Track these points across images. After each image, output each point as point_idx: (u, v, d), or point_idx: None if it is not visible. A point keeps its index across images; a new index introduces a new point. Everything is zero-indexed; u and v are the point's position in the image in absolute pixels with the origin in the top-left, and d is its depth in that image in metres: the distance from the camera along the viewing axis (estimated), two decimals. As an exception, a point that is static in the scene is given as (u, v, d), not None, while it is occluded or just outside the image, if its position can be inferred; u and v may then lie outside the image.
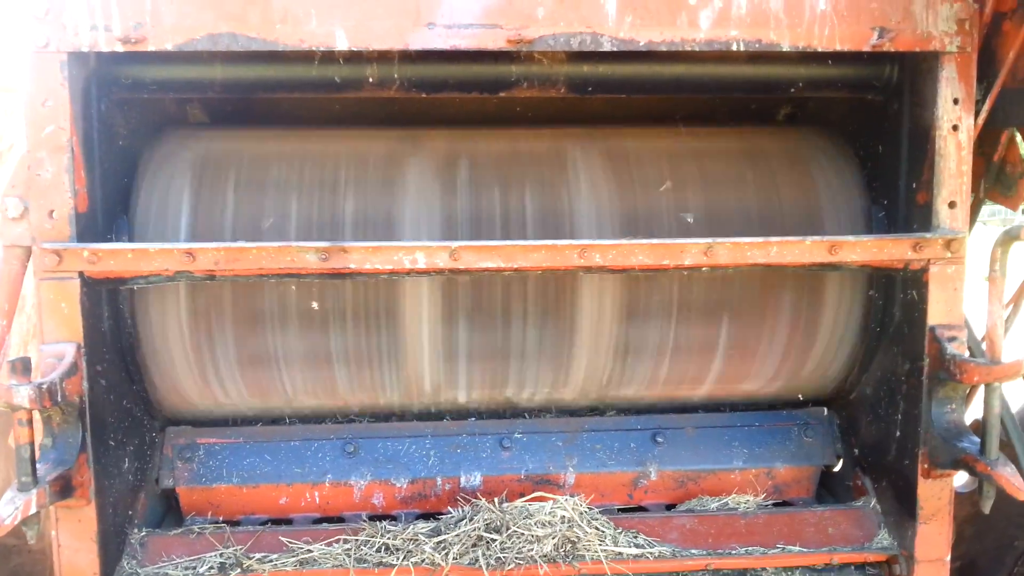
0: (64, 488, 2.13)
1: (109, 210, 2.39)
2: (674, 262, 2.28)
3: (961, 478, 2.96)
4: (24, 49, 2.12)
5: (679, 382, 2.77)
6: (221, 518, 2.62)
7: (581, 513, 2.49)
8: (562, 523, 2.45)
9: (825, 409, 2.87)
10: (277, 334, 2.54)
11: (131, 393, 2.50)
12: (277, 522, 2.62)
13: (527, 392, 2.75)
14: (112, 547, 2.36)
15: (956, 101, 2.32)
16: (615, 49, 2.23)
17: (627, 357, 2.67)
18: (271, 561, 2.40)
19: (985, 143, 2.54)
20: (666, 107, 2.93)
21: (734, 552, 2.49)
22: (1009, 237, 2.13)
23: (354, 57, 2.32)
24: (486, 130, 2.77)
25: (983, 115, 2.38)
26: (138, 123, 2.58)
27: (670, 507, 2.72)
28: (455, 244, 2.23)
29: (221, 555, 2.43)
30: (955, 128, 2.33)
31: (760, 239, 2.28)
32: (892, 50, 2.28)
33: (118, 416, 2.40)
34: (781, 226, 2.59)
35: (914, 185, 2.43)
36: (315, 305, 2.52)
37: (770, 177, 2.68)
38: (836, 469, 2.85)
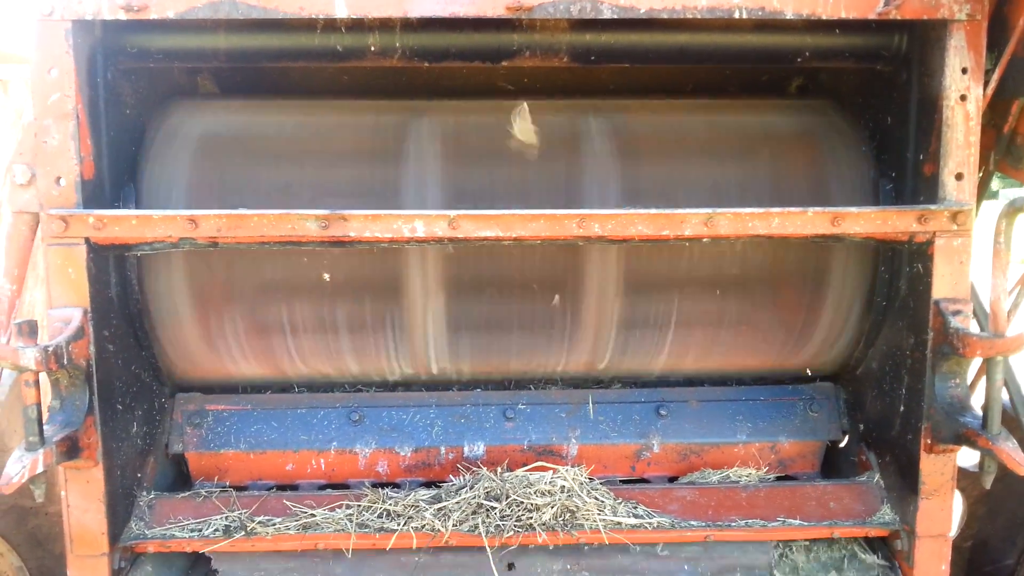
0: (71, 449, 2.18)
1: (116, 178, 2.42)
2: (674, 232, 2.27)
3: (973, 457, 2.94)
4: (30, 17, 2.15)
5: (684, 355, 2.76)
6: (229, 483, 2.67)
7: (581, 483, 2.51)
8: (562, 493, 2.47)
9: (831, 384, 2.85)
10: (284, 304, 2.58)
11: (139, 359, 2.55)
12: (283, 488, 2.67)
13: (531, 364, 2.77)
14: (120, 508, 2.41)
15: (965, 70, 2.28)
16: (616, 17, 2.22)
17: (632, 330, 2.67)
18: (274, 525, 2.45)
19: (995, 114, 2.48)
20: (675, 79, 2.90)
21: (734, 524, 2.50)
22: (1014, 208, 2.09)
23: (355, 25, 2.33)
24: (492, 101, 2.76)
25: (993, 85, 2.33)
26: (146, 93, 2.62)
27: (672, 480, 2.73)
28: (454, 213, 2.23)
29: (226, 518, 2.48)
30: (963, 98, 2.29)
31: (761, 210, 2.27)
32: (899, 18, 2.24)
33: (126, 381, 2.45)
34: (788, 199, 2.57)
35: (921, 157, 2.40)
36: (327, 277, 2.55)
37: (777, 149, 2.65)
38: (842, 445, 2.84)
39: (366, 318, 2.62)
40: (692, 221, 2.27)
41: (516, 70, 2.70)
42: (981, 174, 2.53)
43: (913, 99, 2.44)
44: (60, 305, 2.23)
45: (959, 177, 2.31)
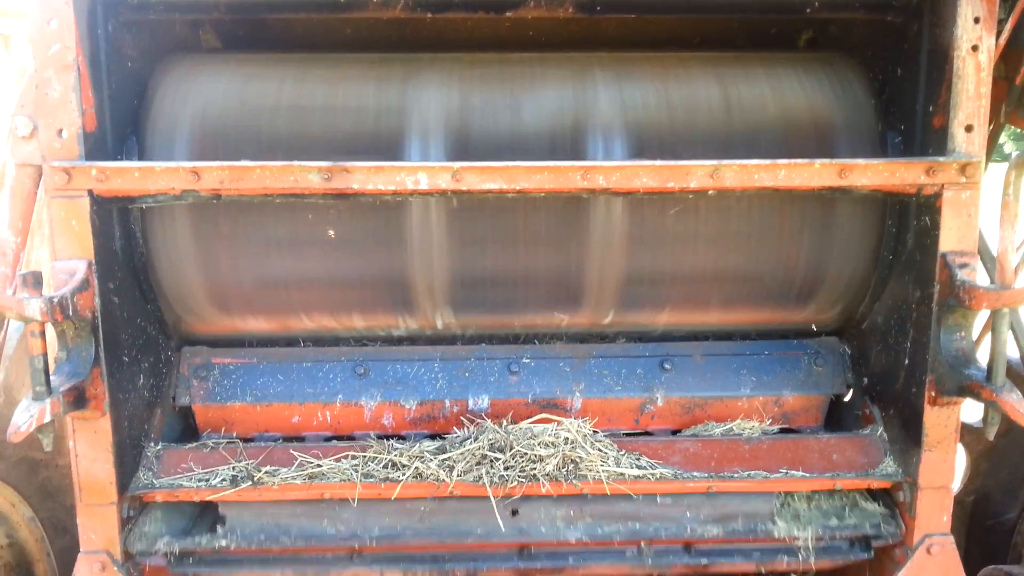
0: (78, 399, 2.20)
1: (119, 131, 2.42)
2: (679, 184, 2.26)
3: (977, 413, 2.95)
4: (29, -34, 2.14)
5: (688, 310, 2.76)
6: (236, 435, 2.70)
7: (584, 435, 2.53)
8: (565, 444, 2.49)
9: (836, 339, 2.85)
10: (289, 259, 2.58)
11: (145, 312, 2.56)
12: (290, 440, 2.69)
13: (536, 319, 2.77)
14: (128, 459, 2.44)
15: (977, 20, 2.23)
16: (621, -36, 2.18)
17: (636, 285, 2.67)
18: (281, 474, 2.48)
19: (1007, 65, 2.45)
20: (682, 32, 2.86)
21: (736, 475, 2.51)
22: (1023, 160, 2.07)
23: None
24: (496, 54, 2.73)
25: (1006, 35, 2.30)
26: (148, 46, 2.59)
27: (676, 433, 2.74)
28: (457, 165, 2.22)
29: (233, 468, 2.51)
30: (975, 48, 2.25)
31: (767, 161, 2.25)
32: (910, -35, 2.21)
33: (132, 333, 2.46)
34: (796, 153, 2.54)
35: (931, 109, 2.37)
36: (332, 233, 2.54)
37: (785, 102, 2.62)
38: (846, 399, 2.84)
39: (371, 273, 2.62)
40: (697, 173, 2.25)
41: (521, 22, 2.66)
42: (991, 127, 2.50)
43: (924, 50, 2.40)
44: (64, 257, 2.24)
45: (969, 129, 2.28)
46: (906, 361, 2.48)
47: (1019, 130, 2.66)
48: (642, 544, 2.60)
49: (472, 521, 2.53)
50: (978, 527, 3.42)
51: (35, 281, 2.06)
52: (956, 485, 3.29)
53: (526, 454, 2.46)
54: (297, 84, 2.59)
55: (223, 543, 2.51)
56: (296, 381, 2.72)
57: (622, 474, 2.46)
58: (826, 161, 2.26)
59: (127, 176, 2.21)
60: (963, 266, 2.28)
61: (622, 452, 2.53)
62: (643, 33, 2.83)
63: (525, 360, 2.77)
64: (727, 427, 2.69)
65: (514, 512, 2.53)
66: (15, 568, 3.13)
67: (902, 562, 2.49)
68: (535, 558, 2.61)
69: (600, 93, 2.59)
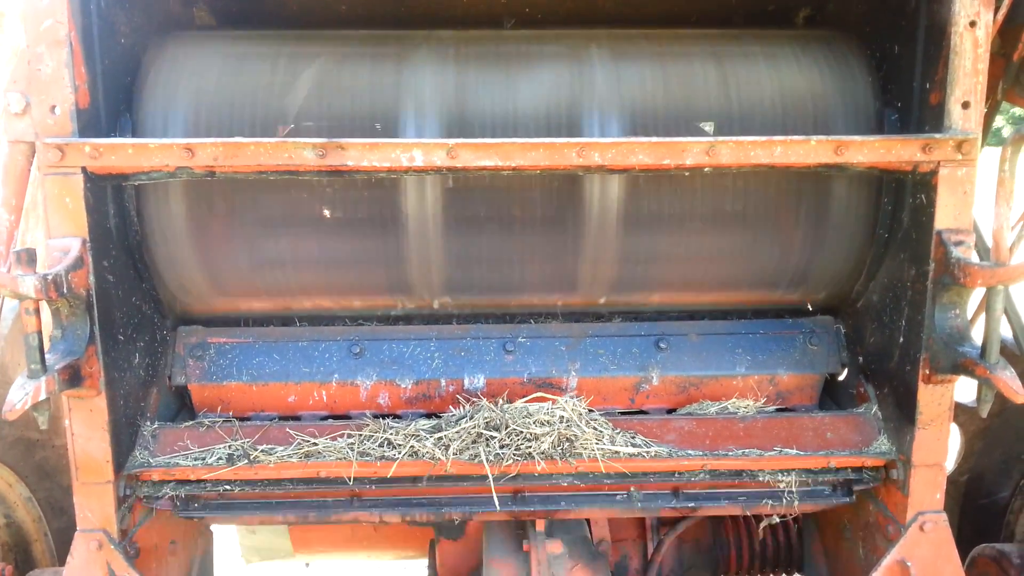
0: (73, 377, 2.20)
1: (112, 108, 2.40)
2: (675, 162, 2.25)
3: (972, 393, 2.96)
4: (20, -59, 2.12)
5: (683, 289, 2.77)
6: (232, 414, 2.70)
7: (580, 414, 2.53)
8: (560, 423, 2.50)
9: (832, 317, 2.85)
10: (285, 238, 2.57)
11: (140, 291, 2.56)
12: (286, 419, 2.69)
13: (531, 298, 2.77)
14: (124, 437, 2.44)
15: (975, -6, 2.23)
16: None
17: (632, 263, 2.67)
18: (277, 453, 2.48)
19: (1005, 42, 2.44)
20: (679, 9, 2.85)
21: (731, 453, 2.52)
22: (1020, 136, 2.06)
23: None
24: (492, 31, 2.72)
25: (1003, 10, 2.29)
26: (141, 23, 2.57)
27: (671, 411, 2.75)
28: (452, 142, 2.21)
29: (229, 447, 2.51)
30: (972, 24, 2.24)
31: (763, 138, 2.24)
32: (908, -60, 2.19)
33: (127, 312, 2.46)
34: (793, 130, 2.53)
35: (928, 85, 2.36)
36: (327, 213, 2.54)
37: (782, 79, 2.61)
38: (841, 378, 2.85)
39: (367, 253, 2.61)
40: (693, 150, 2.24)
41: (516, -2, 2.66)
42: (988, 104, 2.49)
43: (921, 26, 2.38)
44: (58, 235, 2.23)
45: (965, 106, 2.28)
46: (901, 339, 2.49)
47: (1017, 112, 2.65)
48: (632, 489, 2.64)
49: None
50: (972, 506, 3.44)
51: (29, 258, 2.05)
52: (950, 464, 3.31)
53: (521, 432, 2.46)
54: (291, 62, 2.57)
55: (227, 488, 2.54)
56: (292, 360, 2.72)
57: (617, 452, 2.47)
58: (822, 138, 2.25)
59: (121, 153, 2.20)
60: (958, 243, 2.28)
61: (617, 431, 2.53)
62: (640, 10, 2.82)
63: (521, 339, 2.78)
64: (722, 406, 2.69)
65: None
66: (13, 548, 3.13)
67: (895, 539, 2.51)
68: (528, 502, 2.66)
69: (596, 71, 2.57)
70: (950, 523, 2.50)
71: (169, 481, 2.51)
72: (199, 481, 2.50)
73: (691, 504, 2.69)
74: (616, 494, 2.66)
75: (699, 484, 2.62)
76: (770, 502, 2.66)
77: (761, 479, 2.59)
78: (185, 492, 2.54)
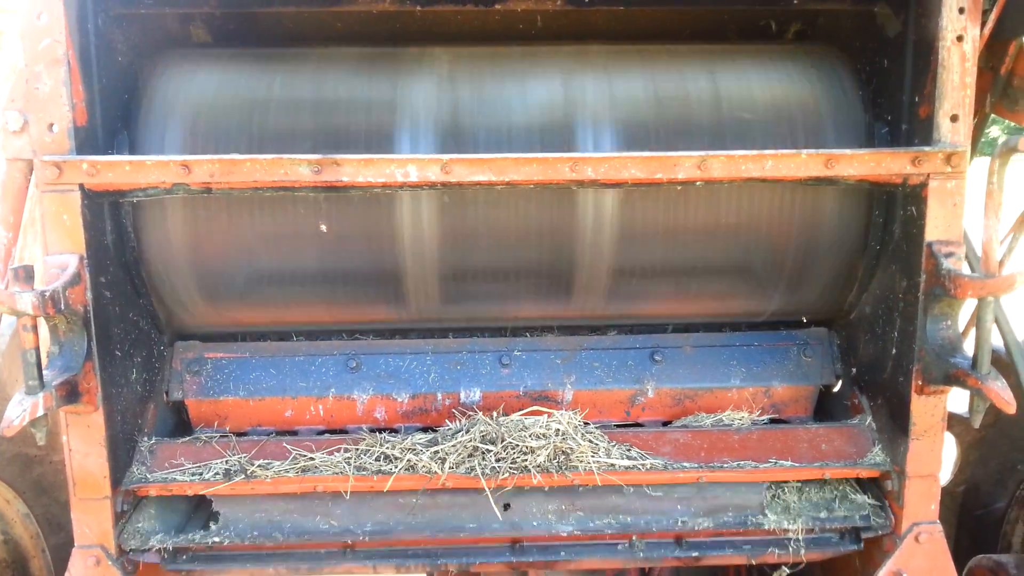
0: (70, 393, 2.21)
1: (109, 125, 2.42)
2: (667, 176, 2.27)
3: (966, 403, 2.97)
4: (18, -39, 2.14)
5: (678, 302, 2.78)
6: (228, 429, 2.71)
7: (575, 427, 2.54)
8: (556, 436, 2.51)
9: (825, 329, 2.87)
10: (280, 252, 2.58)
11: (137, 306, 2.57)
12: (283, 434, 2.70)
13: (526, 312, 2.78)
14: (122, 453, 2.45)
15: (961, 10, 2.25)
16: (609, -44, 2.20)
17: (626, 276, 2.68)
18: (274, 468, 2.49)
19: (992, 55, 2.47)
20: (672, 24, 2.88)
21: (726, 465, 2.53)
22: (1008, 148, 2.08)
23: None
24: (487, 47, 2.74)
25: (990, 25, 2.32)
26: (139, 41, 2.60)
27: (667, 424, 2.76)
28: (447, 157, 2.24)
29: (226, 462, 2.52)
30: (959, 39, 2.27)
31: (754, 152, 2.27)
32: (895, -43, 2.22)
33: (124, 328, 2.47)
34: (784, 144, 2.55)
35: (916, 99, 2.39)
36: (323, 228, 2.55)
37: (774, 93, 2.63)
38: (835, 389, 2.86)
39: (363, 267, 2.63)
40: (685, 164, 2.26)
41: (510, 14, 2.68)
42: (977, 118, 2.52)
43: (909, 41, 2.42)
44: (56, 252, 2.25)
45: (954, 119, 2.30)
46: (893, 351, 2.50)
47: (1012, 123, 2.68)
48: (633, 537, 2.61)
49: (464, 515, 2.55)
50: (968, 517, 3.44)
51: (27, 275, 2.07)
52: (946, 475, 3.32)
53: (517, 446, 2.47)
54: (287, 78, 2.60)
55: (216, 539, 2.52)
56: (289, 375, 2.74)
57: (613, 465, 2.48)
58: (812, 151, 2.27)
59: (118, 170, 2.22)
60: (949, 255, 2.30)
61: (613, 443, 2.54)
62: (632, 25, 2.84)
63: (516, 352, 2.79)
64: (717, 418, 2.70)
65: (506, 506, 2.55)
66: (10, 564, 3.13)
67: (891, 551, 2.51)
68: (527, 552, 2.62)
69: (589, 86, 2.60)
70: (947, 534, 2.51)
71: (157, 533, 2.48)
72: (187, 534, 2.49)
73: (695, 553, 2.64)
74: (617, 543, 2.62)
75: (703, 532, 2.60)
76: (776, 550, 2.61)
77: (767, 527, 2.56)
78: (173, 544, 2.48)
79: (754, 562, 2.69)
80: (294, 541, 2.56)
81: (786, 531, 2.58)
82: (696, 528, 2.58)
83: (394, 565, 2.64)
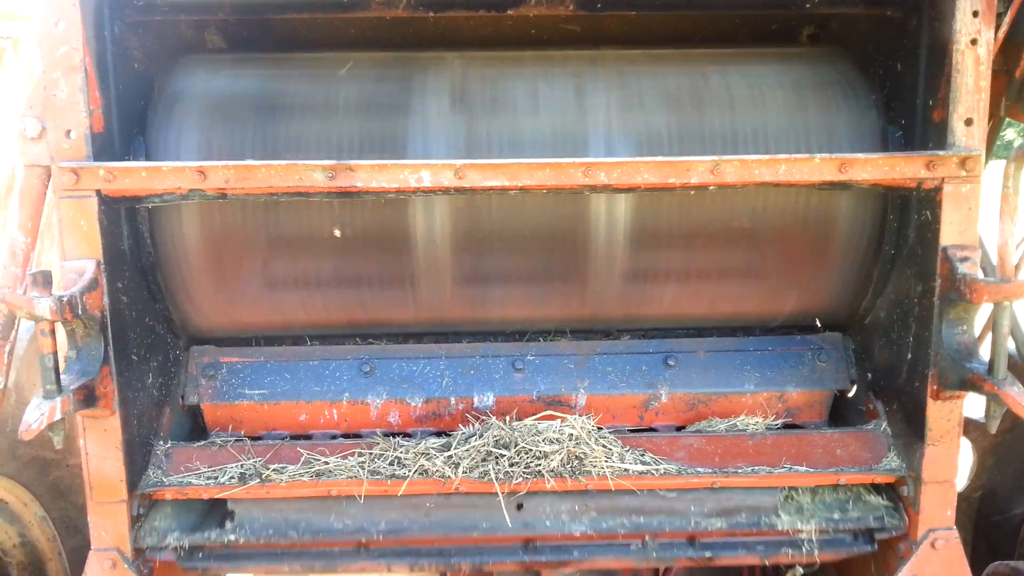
0: (88, 397, 2.23)
1: (126, 132, 2.45)
2: (680, 180, 2.27)
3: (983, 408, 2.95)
4: (36, -30, 2.17)
5: (692, 306, 2.77)
6: (244, 433, 2.72)
7: (589, 432, 2.54)
8: (569, 440, 2.50)
9: (840, 334, 2.85)
10: (295, 257, 2.60)
11: (153, 311, 2.59)
12: (297, 438, 2.71)
13: (540, 315, 2.79)
14: (138, 457, 2.47)
15: (976, 14, 2.24)
16: (622, -39, 2.20)
17: (639, 281, 2.68)
18: (288, 472, 2.50)
19: (1006, 59, 2.45)
20: (684, 28, 2.88)
21: (740, 471, 2.52)
22: (1023, 153, 2.07)
23: None
24: (499, 52, 2.76)
25: (1004, 28, 2.31)
26: (154, 48, 2.63)
27: (680, 429, 2.75)
28: (460, 162, 2.24)
29: (242, 466, 2.53)
30: (974, 42, 2.26)
31: (767, 157, 2.26)
32: (909, -40, 2.22)
33: (140, 332, 2.49)
34: (797, 148, 2.55)
35: (930, 103, 2.38)
36: (337, 232, 2.57)
37: (787, 98, 2.63)
38: (850, 394, 2.85)
39: (377, 271, 2.64)
40: (698, 169, 2.26)
41: (522, 20, 2.69)
42: (991, 122, 2.50)
43: (923, 44, 2.41)
44: (73, 257, 2.27)
45: (968, 123, 2.29)
46: (908, 356, 2.49)
47: None
48: (646, 537, 2.62)
49: (477, 515, 2.56)
50: (985, 523, 3.42)
51: (45, 280, 2.09)
52: (963, 481, 3.30)
53: (531, 450, 2.47)
54: (301, 84, 2.62)
55: (232, 538, 2.55)
56: (303, 379, 2.75)
57: (626, 470, 2.48)
58: (826, 156, 2.27)
59: (134, 176, 2.24)
60: (964, 260, 2.29)
61: (626, 448, 2.54)
62: (644, 30, 2.85)
63: (530, 357, 2.79)
64: (731, 423, 2.69)
65: (519, 506, 2.55)
66: (28, 567, 3.16)
67: (907, 556, 2.50)
68: (540, 552, 2.63)
69: (602, 90, 2.60)
70: (963, 540, 2.49)
71: (173, 531, 2.51)
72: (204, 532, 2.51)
73: (707, 553, 2.64)
74: (630, 543, 2.63)
75: (716, 532, 2.60)
76: (789, 551, 2.60)
77: (780, 527, 2.55)
78: (189, 542, 2.51)
79: (767, 562, 2.69)
80: (308, 540, 2.58)
81: (799, 532, 2.58)
82: (709, 528, 2.58)
83: (408, 564, 2.65)
